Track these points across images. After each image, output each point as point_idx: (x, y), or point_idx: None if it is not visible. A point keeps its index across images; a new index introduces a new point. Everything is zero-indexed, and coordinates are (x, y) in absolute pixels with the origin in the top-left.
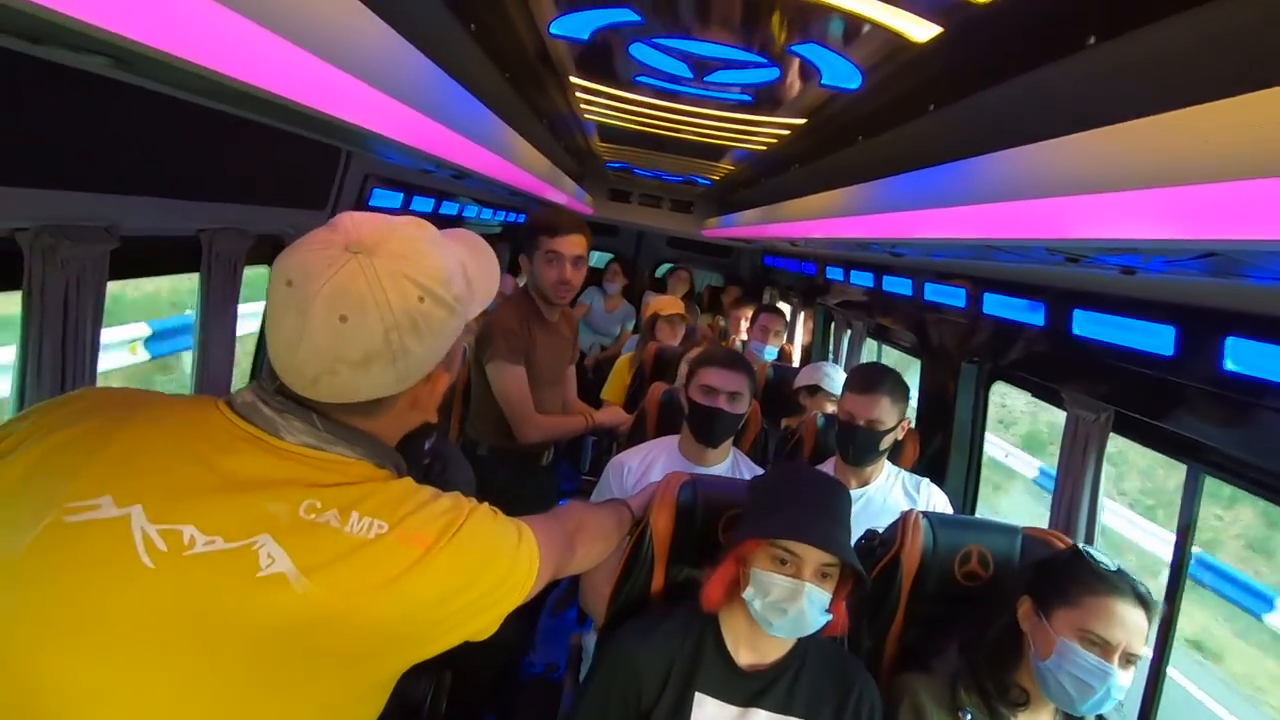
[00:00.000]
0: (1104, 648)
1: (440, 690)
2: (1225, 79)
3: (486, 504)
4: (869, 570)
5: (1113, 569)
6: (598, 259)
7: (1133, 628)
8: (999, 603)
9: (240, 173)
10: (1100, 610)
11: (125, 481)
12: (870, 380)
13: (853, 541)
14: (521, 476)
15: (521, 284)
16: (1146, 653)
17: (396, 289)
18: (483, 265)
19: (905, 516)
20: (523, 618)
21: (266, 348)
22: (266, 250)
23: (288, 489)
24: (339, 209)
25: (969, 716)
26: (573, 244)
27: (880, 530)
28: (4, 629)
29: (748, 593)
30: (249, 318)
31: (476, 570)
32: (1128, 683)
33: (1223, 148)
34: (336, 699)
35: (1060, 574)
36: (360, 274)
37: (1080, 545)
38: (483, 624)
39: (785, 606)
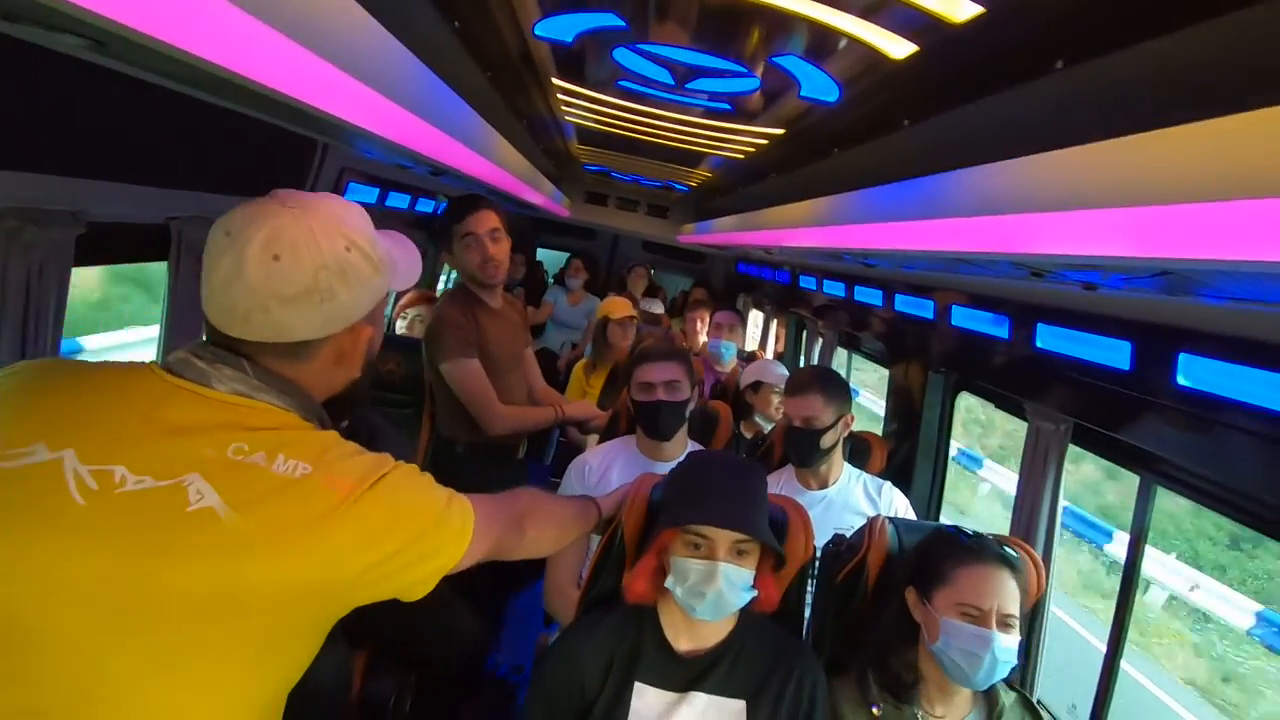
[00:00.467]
0: (980, 616)
1: (404, 691)
2: (1184, 106)
3: (414, 465)
4: (835, 573)
5: (973, 537)
6: (557, 257)
7: (1002, 591)
8: (888, 595)
9: (214, 161)
10: (970, 581)
11: (58, 430)
12: (802, 381)
13: (820, 542)
14: (497, 471)
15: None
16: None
17: (327, 236)
18: (406, 252)
19: (872, 521)
20: (487, 618)
21: (203, 298)
22: None
23: (217, 433)
24: None
25: (879, 709)
26: (483, 220)
27: (847, 534)
28: None
29: (669, 581)
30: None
31: (399, 519)
32: (1012, 645)
33: (1180, 171)
34: (267, 643)
35: (931, 556)
36: (294, 222)
37: (942, 524)
38: (409, 580)
39: (703, 589)
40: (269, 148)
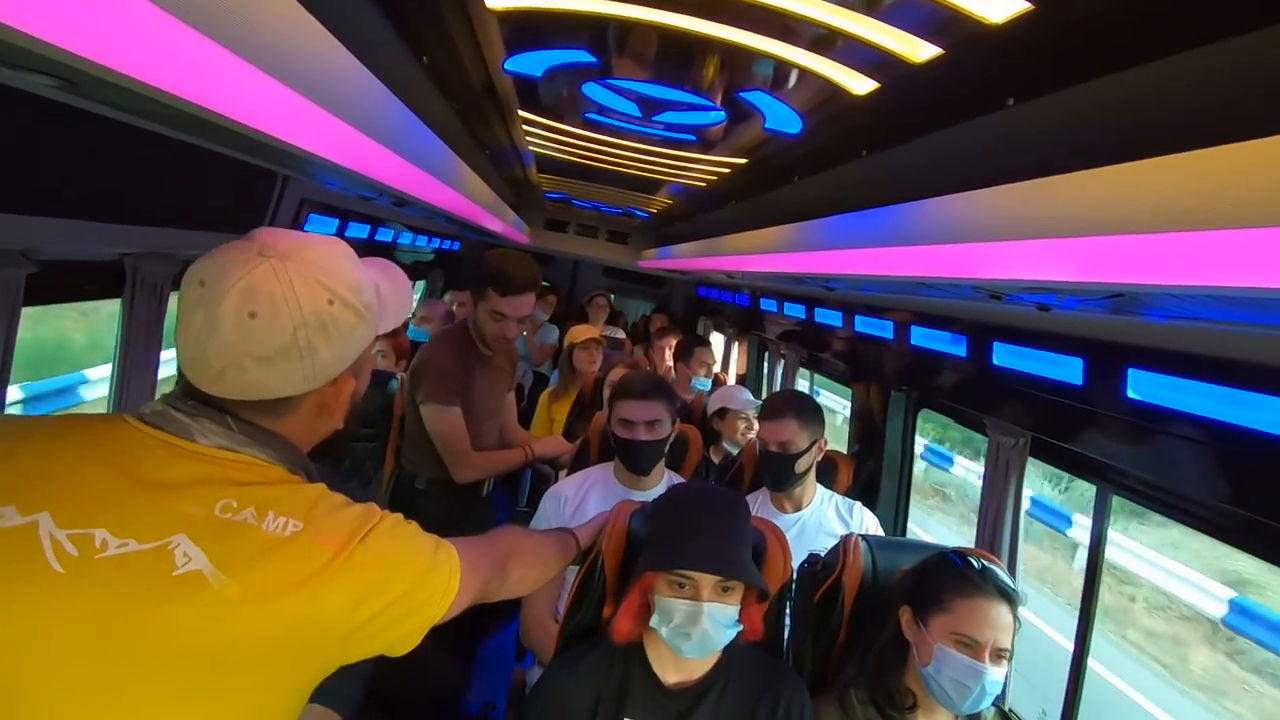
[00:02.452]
0: (974, 648)
1: None
2: (1129, 142)
3: (400, 515)
4: (812, 593)
5: (977, 568)
6: None
7: (999, 625)
8: (884, 613)
9: (169, 196)
10: (969, 612)
11: (30, 491)
12: (777, 406)
13: (795, 565)
14: (460, 508)
15: (455, 307)
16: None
17: (307, 290)
18: (396, 287)
19: (845, 540)
20: (460, 655)
21: (177, 352)
22: None
23: (203, 489)
24: None
25: None
26: (520, 306)
27: (821, 554)
28: None
29: (654, 620)
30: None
31: (388, 574)
32: (1001, 677)
33: (1127, 204)
34: (254, 702)
35: (932, 580)
36: (273, 275)
37: (947, 549)
38: (400, 634)
39: (689, 630)
40: (227, 181)
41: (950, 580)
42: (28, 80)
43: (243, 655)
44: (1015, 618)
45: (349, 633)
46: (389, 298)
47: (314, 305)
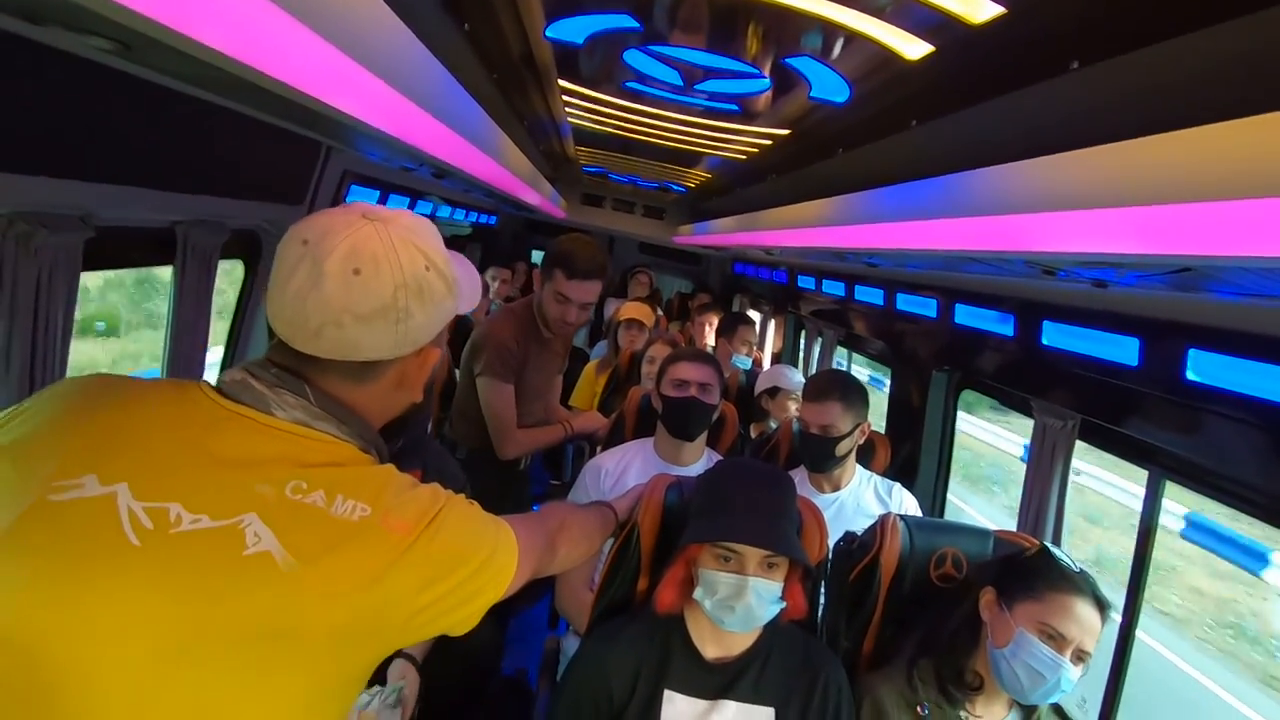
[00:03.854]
0: (1059, 641)
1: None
2: (1199, 107)
3: (463, 495)
4: (848, 571)
5: (1077, 570)
6: None
7: (1088, 626)
8: (963, 592)
9: (219, 165)
10: (1061, 606)
11: (109, 460)
12: (821, 388)
13: (831, 544)
14: (499, 480)
15: (497, 284)
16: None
17: (407, 253)
18: (466, 272)
19: (884, 519)
20: (496, 623)
21: (266, 310)
22: (240, 245)
23: (275, 468)
24: (317, 205)
25: (927, 711)
26: (585, 291)
27: (858, 533)
28: None
29: (698, 593)
30: None
31: (454, 559)
32: (1076, 678)
33: (1196, 171)
34: (316, 684)
35: (1028, 569)
36: (376, 235)
37: (1048, 545)
38: (460, 617)
39: (733, 603)
40: (274, 152)
41: (1047, 572)
42: (86, 44)
43: (308, 638)
44: (1101, 627)
45: (411, 616)
46: (463, 280)
47: (413, 268)
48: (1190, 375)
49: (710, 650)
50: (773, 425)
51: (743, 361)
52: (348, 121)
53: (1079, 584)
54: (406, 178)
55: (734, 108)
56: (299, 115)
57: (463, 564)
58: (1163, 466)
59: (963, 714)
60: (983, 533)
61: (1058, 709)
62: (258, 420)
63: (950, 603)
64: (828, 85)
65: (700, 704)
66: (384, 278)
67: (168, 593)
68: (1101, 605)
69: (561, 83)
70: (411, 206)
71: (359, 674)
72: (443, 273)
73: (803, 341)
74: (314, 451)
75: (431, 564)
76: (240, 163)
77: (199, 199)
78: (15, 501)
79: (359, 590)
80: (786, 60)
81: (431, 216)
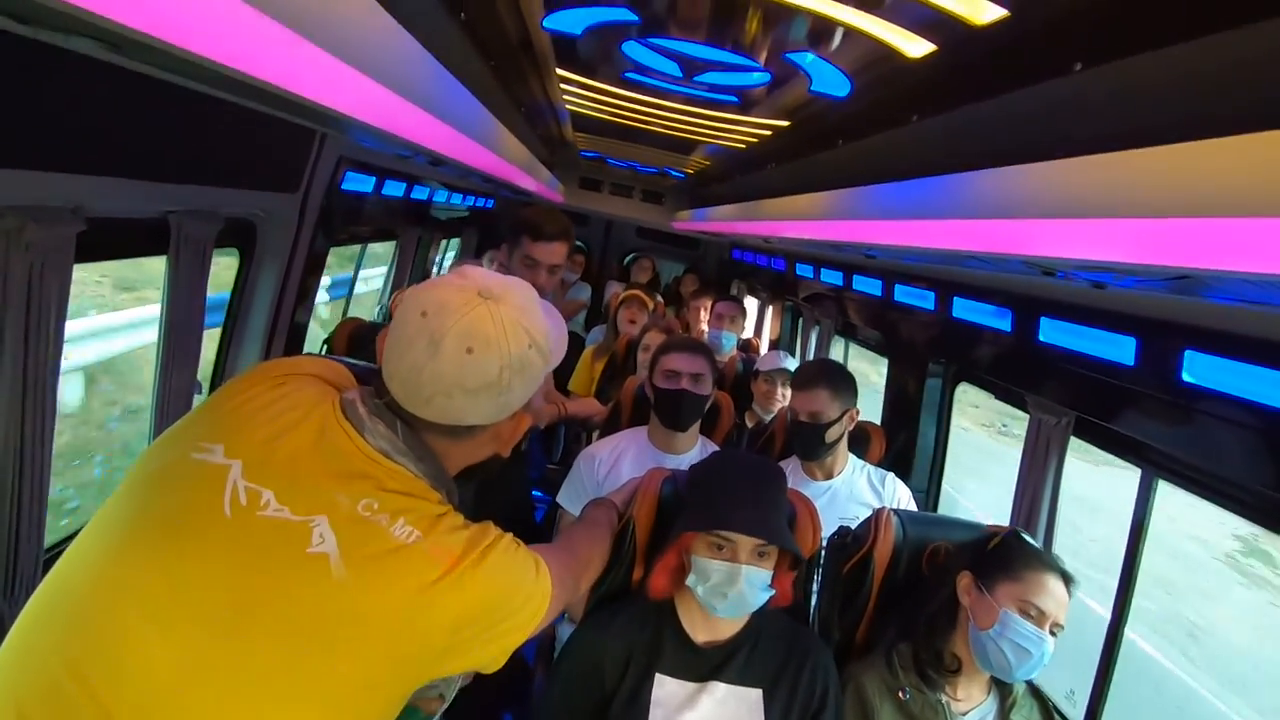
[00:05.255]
0: (1039, 618)
1: None
2: (1200, 117)
3: (510, 535)
4: (841, 565)
5: (1043, 550)
6: None
7: (1062, 601)
8: (938, 579)
9: (211, 154)
10: (1039, 584)
11: (238, 437)
12: (809, 375)
13: (825, 536)
14: (501, 465)
15: (495, 266)
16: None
17: (514, 334)
18: (559, 330)
19: (878, 514)
20: None
21: (384, 369)
22: (235, 234)
23: (356, 484)
24: (312, 192)
25: (908, 695)
26: (552, 252)
27: (852, 525)
28: (111, 527)
29: (690, 579)
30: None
31: (492, 599)
32: (1052, 650)
33: (1197, 185)
34: (353, 689)
35: (1002, 551)
36: (489, 317)
37: (1019, 529)
38: (491, 654)
39: (725, 590)
40: (267, 139)
41: (1022, 553)
42: (76, 43)
43: (343, 644)
44: (1069, 599)
45: (448, 648)
46: (555, 339)
47: (518, 348)
48: (1186, 376)
49: (700, 635)
50: (759, 413)
51: (729, 339)
52: (336, 115)
53: (1050, 563)
54: (403, 164)
55: (733, 99)
56: (288, 107)
57: (504, 602)
58: (1155, 465)
59: (943, 697)
60: (974, 526)
61: (1033, 687)
62: (354, 441)
63: (926, 590)
64: (828, 80)
65: (690, 686)
66: (492, 357)
67: (237, 564)
68: (1068, 580)
69: (560, 71)
70: (408, 192)
71: (391, 695)
72: (542, 349)
73: (800, 330)
74: (391, 479)
75: (471, 597)
76: (233, 151)
77: (191, 188)
78: (177, 449)
79: (400, 609)
80: (786, 55)
81: (428, 201)
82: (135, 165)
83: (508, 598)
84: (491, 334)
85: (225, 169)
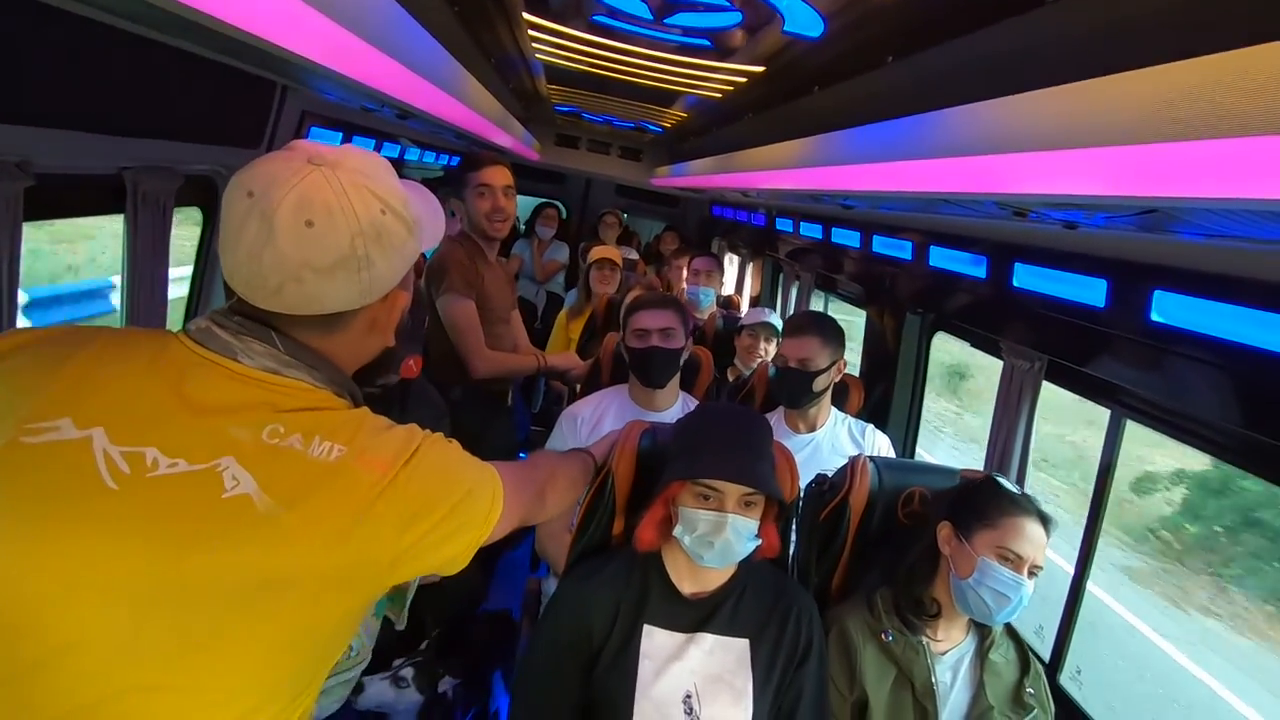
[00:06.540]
0: (1017, 562)
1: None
2: (1169, 44)
3: (441, 434)
4: (819, 512)
5: (1019, 493)
6: (527, 203)
7: (1039, 543)
8: (919, 528)
9: (168, 107)
10: (1015, 529)
11: (85, 403)
12: (800, 323)
13: (803, 485)
14: (488, 418)
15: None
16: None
17: (360, 198)
18: (429, 208)
19: (854, 461)
20: (480, 566)
21: (221, 267)
22: (195, 192)
23: (250, 413)
24: (275, 148)
25: (891, 638)
26: (500, 174)
27: (830, 474)
28: None
29: (678, 530)
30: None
31: (434, 495)
32: (1031, 591)
33: (1165, 110)
34: (304, 632)
35: (978, 499)
36: (325, 183)
37: (994, 475)
38: (448, 554)
39: (712, 539)
40: (226, 92)
41: (997, 499)
42: None
43: (290, 582)
44: (1047, 540)
45: (396, 556)
46: (424, 217)
47: (369, 214)
48: (1154, 316)
49: (687, 586)
50: (744, 373)
51: (707, 295)
52: (296, 61)
53: (1026, 506)
54: (369, 119)
55: (706, 43)
56: (245, 53)
57: (443, 500)
58: (1125, 406)
59: (923, 639)
60: (949, 472)
61: (1010, 628)
62: (228, 367)
63: (903, 535)
64: (801, 19)
65: (678, 637)
66: (339, 227)
67: (145, 538)
68: (1045, 521)
69: (528, 16)
70: (377, 149)
71: (347, 616)
72: (401, 215)
73: (781, 285)
74: (289, 397)
75: (411, 501)
76: (190, 104)
77: (147, 143)
78: None
79: (340, 533)
80: None
81: (400, 159)
82: (87, 118)
83: (448, 494)
84: (332, 201)
85: (182, 123)
